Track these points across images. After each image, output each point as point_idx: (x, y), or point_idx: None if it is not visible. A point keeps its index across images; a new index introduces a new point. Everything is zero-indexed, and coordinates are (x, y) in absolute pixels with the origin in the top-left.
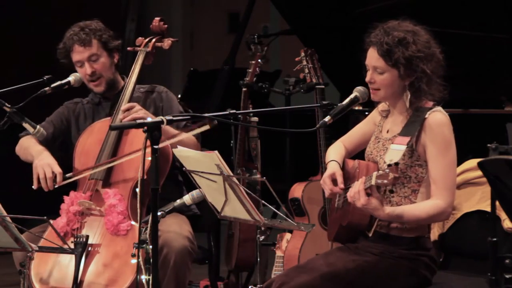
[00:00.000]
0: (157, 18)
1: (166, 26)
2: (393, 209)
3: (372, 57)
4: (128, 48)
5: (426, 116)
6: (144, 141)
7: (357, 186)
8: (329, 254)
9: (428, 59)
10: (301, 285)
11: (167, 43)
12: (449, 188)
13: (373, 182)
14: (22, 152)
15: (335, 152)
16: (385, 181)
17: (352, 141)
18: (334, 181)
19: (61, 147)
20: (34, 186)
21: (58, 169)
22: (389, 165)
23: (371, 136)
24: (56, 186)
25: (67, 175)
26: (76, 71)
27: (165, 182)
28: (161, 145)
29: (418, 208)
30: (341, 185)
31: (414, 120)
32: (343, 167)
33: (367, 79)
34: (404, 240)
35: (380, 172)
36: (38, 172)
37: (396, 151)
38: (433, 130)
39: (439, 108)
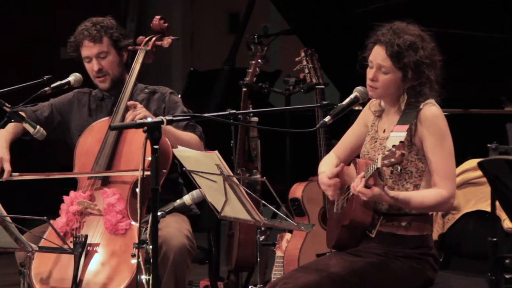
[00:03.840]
0: (157, 17)
1: (166, 24)
2: (397, 194)
3: (379, 55)
4: (129, 47)
5: (421, 107)
6: (144, 141)
7: (359, 177)
8: (331, 257)
9: (433, 66)
10: (307, 285)
11: (167, 41)
12: (451, 178)
13: (379, 165)
14: None
15: (326, 165)
16: (393, 160)
17: (346, 148)
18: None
19: (57, 131)
20: None
21: (8, 167)
22: (393, 146)
23: (365, 137)
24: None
25: (13, 173)
26: (82, 65)
27: (165, 185)
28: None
29: (423, 194)
30: (336, 180)
31: (409, 111)
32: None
33: (370, 76)
34: (409, 239)
35: (386, 153)
36: None
37: (397, 138)
38: (429, 121)
39: (432, 100)
